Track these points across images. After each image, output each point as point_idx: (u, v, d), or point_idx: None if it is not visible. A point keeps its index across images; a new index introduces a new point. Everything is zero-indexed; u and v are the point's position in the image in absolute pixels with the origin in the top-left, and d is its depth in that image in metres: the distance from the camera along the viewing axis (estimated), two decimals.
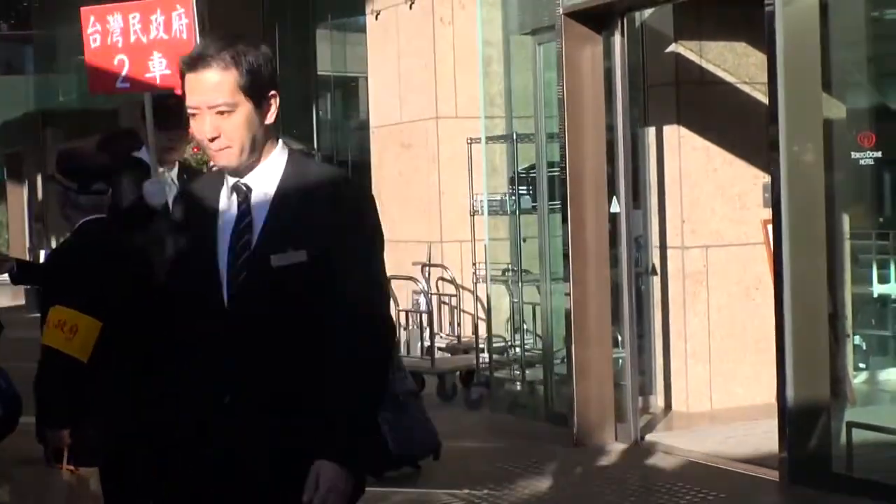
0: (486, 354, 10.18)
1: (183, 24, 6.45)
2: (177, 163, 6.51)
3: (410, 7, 11.58)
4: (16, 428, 5.54)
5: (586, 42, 8.57)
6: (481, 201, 10.42)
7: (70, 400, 4.80)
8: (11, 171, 26.13)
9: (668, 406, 9.49)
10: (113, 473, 4.92)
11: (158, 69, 6.50)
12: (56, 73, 26.16)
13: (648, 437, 8.54)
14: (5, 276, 6.31)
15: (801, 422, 7.09)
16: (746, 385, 9.39)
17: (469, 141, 10.44)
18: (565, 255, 8.69)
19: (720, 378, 9.40)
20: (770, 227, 7.47)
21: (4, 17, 29.88)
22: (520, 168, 10.04)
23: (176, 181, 6.37)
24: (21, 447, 7.01)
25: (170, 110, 6.20)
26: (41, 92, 25.82)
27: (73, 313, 4.73)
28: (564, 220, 8.68)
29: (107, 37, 6.75)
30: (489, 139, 10.49)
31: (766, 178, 8.36)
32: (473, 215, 10.38)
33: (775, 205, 7.17)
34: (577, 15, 8.51)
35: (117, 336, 4.81)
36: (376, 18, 12.08)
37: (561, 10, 8.53)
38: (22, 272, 6.00)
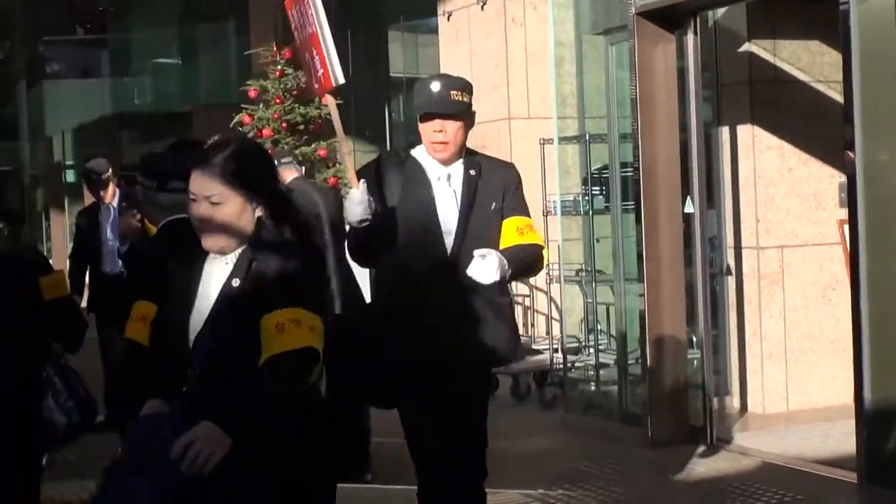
0: (559, 355, 10.17)
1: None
2: None
3: (482, 8, 11.61)
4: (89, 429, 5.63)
5: (659, 41, 8.56)
6: (554, 202, 10.42)
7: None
8: None
9: (743, 407, 9.44)
10: None
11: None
12: (131, 76, 26.49)
13: (724, 438, 8.50)
14: None
15: (879, 422, 7.02)
16: (823, 386, 9.32)
17: (541, 141, 10.45)
18: (639, 256, 8.67)
19: (796, 379, 9.33)
20: (846, 227, 7.42)
21: (80, 21, 30.25)
22: (593, 168, 10.03)
23: None
24: (101, 443, 7.14)
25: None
26: (117, 95, 26.15)
27: (155, 308, 4.81)
28: (638, 220, 8.66)
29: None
30: (562, 140, 10.49)
31: (842, 178, 8.29)
32: (546, 216, 10.38)
33: (851, 205, 7.11)
34: (649, 14, 8.49)
35: None
36: (448, 19, 12.13)
37: (633, 10, 8.52)
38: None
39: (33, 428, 5.33)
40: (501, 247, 4.97)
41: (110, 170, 9.60)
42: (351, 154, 5.92)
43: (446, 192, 5.03)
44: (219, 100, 19.03)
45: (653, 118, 8.51)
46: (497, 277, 4.77)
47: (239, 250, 3.71)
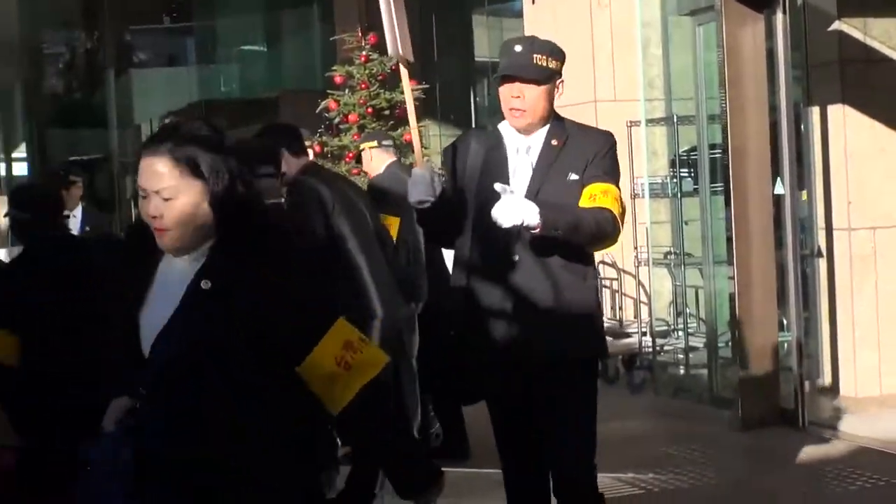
0: (648, 338, 10.13)
1: None
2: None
3: None
4: None
5: (747, 21, 8.47)
6: (642, 184, 10.38)
7: None
8: None
9: (835, 390, 9.33)
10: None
11: None
12: (217, 63, 26.73)
13: (815, 422, 8.42)
14: None
15: None
16: None
17: (629, 124, 10.40)
18: (728, 238, 8.61)
19: (890, 362, 9.20)
20: None
21: (166, 10, 30.56)
22: (680, 150, 9.97)
23: None
24: None
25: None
26: (203, 83, 26.40)
27: None
28: (727, 202, 8.59)
29: None
30: (649, 122, 10.43)
31: None
32: (634, 198, 10.33)
33: None
34: None
35: None
36: (533, 3, 12.09)
37: None
38: None
39: None
40: None
41: None
42: (417, 128, 5.71)
43: (523, 164, 4.69)
44: (304, 86, 19.13)
45: (742, 99, 8.44)
46: (518, 221, 4.33)
47: (206, 246, 3.25)
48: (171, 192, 3.17)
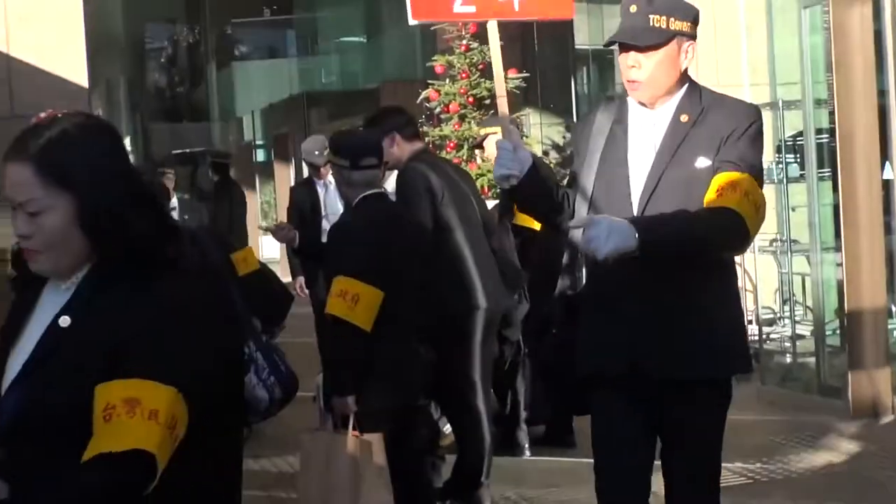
0: (754, 326, 10.02)
1: None
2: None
3: None
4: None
5: (854, 3, 8.32)
6: None
7: (356, 368, 4.97)
8: (278, 153, 26.98)
9: None
10: (398, 439, 5.08)
11: None
12: (317, 55, 26.92)
13: None
14: (275, 254, 6.53)
15: None
16: None
17: None
18: (836, 225, 8.47)
19: None
20: None
21: (267, 2, 30.86)
22: (786, 136, 9.83)
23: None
24: (297, 416, 7.29)
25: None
26: (304, 75, 26.60)
27: (354, 283, 4.91)
28: (835, 188, 8.46)
29: None
30: None
31: None
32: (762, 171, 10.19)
33: None
34: None
35: (398, 306, 4.99)
36: None
37: None
38: (304, 243, 6.17)
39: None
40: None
41: (327, 147, 9.75)
42: (504, 96, 5.52)
43: (645, 145, 3.94)
44: (404, 76, 19.18)
45: (849, 83, 8.29)
46: (610, 250, 3.57)
47: (82, 272, 2.62)
48: (35, 205, 2.55)
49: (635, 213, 3.85)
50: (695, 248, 3.82)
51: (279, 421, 7.12)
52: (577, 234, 3.80)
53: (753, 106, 4.10)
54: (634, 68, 3.92)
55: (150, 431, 2.44)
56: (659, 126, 3.97)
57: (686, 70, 4.00)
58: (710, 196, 3.79)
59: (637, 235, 3.60)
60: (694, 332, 3.89)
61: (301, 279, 9.66)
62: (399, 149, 6.25)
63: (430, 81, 13.35)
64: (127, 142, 33.11)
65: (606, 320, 3.94)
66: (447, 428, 6.99)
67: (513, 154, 3.92)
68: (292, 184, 17.02)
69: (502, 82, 5.23)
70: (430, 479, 5.77)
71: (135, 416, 2.43)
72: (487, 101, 12.92)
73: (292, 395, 5.57)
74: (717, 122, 3.91)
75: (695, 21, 3.97)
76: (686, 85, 4.01)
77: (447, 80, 13.07)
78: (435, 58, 13.51)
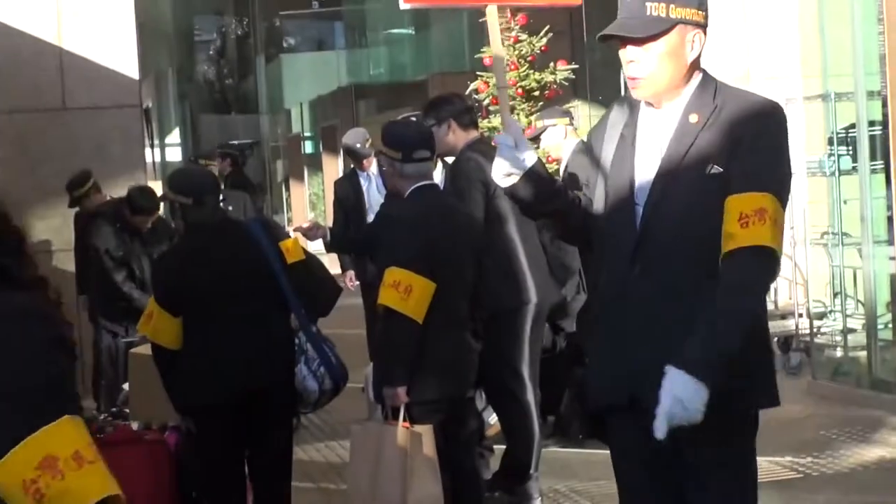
0: (805, 320, 9.95)
1: None
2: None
3: None
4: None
5: None
6: (798, 163, 10.17)
7: (407, 359, 4.97)
8: (326, 144, 27.05)
9: None
10: (448, 431, 5.08)
11: None
12: (366, 47, 26.95)
13: None
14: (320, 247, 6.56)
15: None
16: None
17: (785, 101, 10.19)
18: (889, 218, 8.40)
19: None
20: None
21: None
22: (838, 128, 9.75)
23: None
24: (346, 407, 7.31)
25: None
26: (352, 67, 26.64)
27: (407, 274, 4.91)
28: (888, 180, 8.38)
29: None
30: (805, 99, 10.22)
31: None
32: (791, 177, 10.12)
33: None
34: None
35: (450, 297, 4.99)
36: None
37: None
38: (335, 241, 6.19)
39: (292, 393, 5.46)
40: (722, 251, 3.26)
41: (369, 139, 9.76)
42: (505, 87, 5.37)
43: (652, 147, 3.47)
44: (453, 68, 19.17)
45: None
46: (689, 419, 3.14)
47: None
48: None
49: (638, 225, 3.40)
50: (752, 322, 3.35)
51: (329, 412, 7.20)
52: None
53: (774, 103, 3.47)
54: (633, 63, 3.42)
55: (88, 487, 2.25)
56: (666, 128, 3.45)
57: (695, 63, 3.45)
58: (732, 227, 3.26)
59: (706, 386, 3.15)
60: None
61: (351, 272, 9.67)
62: (454, 137, 6.23)
63: (478, 73, 13.33)
64: (175, 133, 33.39)
65: (610, 348, 3.48)
66: (493, 418, 6.99)
67: (513, 150, 3.46)
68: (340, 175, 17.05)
69: (503, 72, 5.12)
70: (478, 471, 5.77)
71: (65, 476, 2.23)
72: (536, 93, 12.89)
73: (342, 385, 5.62)
74: (733, 123, 3.36)
75: (700, 6, 3.42)
76: (698, 80, 3.46)
77: None
78: (483, 49, 13.49)
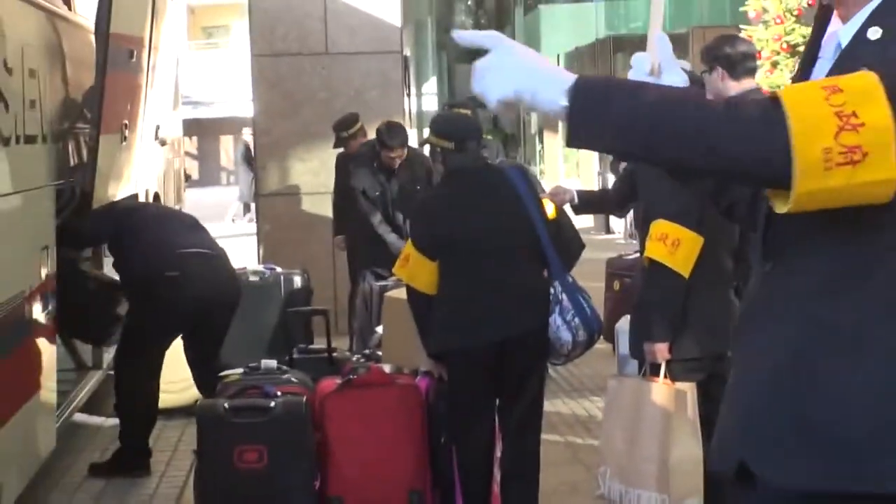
0: None
1: None
2: None
3: None
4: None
5: None
6: None
7: (670, 314, 4.82)
8: None
9: None
10: (707, 390, 4.89)
11: None
12: None
13: None
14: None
15: None
16: None
17: None
18: None
19: None
20: None
21: None
22: None
23: None
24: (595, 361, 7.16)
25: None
26: (610, 18, 26.37)
27: (676, 227, 4.75)
28: None
29: None
30: None
31: None
32: None
33: None
34: None
35: (715, 253, 4.82)
36: None
37: None
38: (582, 203, 6.05)
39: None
40: None
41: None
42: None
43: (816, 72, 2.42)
44: (714, 21, 18.74)
45: None
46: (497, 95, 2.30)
47: None
48: None
49: None
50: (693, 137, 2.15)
51: (577, 364, 7.08)
52: None
53: None
54: None
55: None
56: (842, 47, 2.30)
57: None
58: None
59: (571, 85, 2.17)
60: (829, 426, 2.17)
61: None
62: (724, 86, 6.00)
63: (741, 27, 12.97)
64: (432, 81, 33.71)
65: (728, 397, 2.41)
66: None
67: (646, 77, 2.52)
68: None
69: (659, 15, 4.71)
70: None
71: None
72: (801, 48, 12.47)
73: (596, 337, 5.49)
74: None
75: None
76: None
77: (760, 26, 12.66)
78: (748, 2, 13.10)
